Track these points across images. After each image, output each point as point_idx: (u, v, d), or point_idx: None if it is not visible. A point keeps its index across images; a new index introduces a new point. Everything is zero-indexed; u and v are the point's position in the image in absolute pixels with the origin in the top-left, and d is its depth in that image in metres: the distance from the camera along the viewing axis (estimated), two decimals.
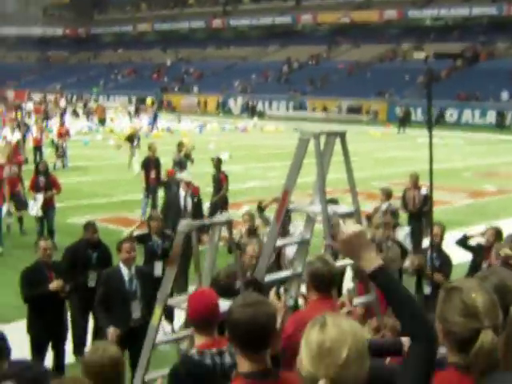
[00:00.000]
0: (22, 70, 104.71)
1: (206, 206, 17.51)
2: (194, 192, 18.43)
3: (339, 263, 6.97)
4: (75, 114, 59.81)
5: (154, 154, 20.79)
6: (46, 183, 17.13)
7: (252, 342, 3.83)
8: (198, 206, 14.52)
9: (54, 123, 43.44)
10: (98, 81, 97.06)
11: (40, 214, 16.91)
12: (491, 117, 64.22)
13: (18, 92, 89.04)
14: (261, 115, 72.34)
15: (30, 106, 60.18)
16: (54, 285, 9.15)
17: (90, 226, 10.69)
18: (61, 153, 30.95)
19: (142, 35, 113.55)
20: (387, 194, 15.45)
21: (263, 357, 3.87)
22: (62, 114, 51.24)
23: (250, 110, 75.30)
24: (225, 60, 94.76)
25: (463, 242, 11.68)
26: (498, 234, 11.01)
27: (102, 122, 55.69)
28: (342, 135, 6.85)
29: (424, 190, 16.48)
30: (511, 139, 51.06)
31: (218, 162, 19.54)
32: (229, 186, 19.34)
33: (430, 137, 6.26)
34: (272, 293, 4.74)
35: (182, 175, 15.58)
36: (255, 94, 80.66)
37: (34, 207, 16.87)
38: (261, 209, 12.15)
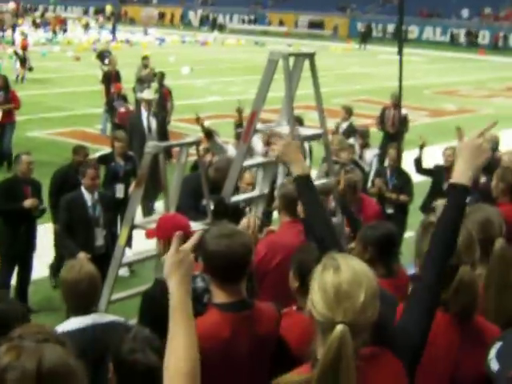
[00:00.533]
0: None
1: None
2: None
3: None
4: (34, 24, 58.43)
5: (114, 67, 20.33)
6: (5, 98, 16.41)
7: (228, 273, 3.82)
8: (162, 124, 13.94)
9: (15, 34, 42.51)
10: None
11: None
12: (452, 35, 64.24)
13: None
14: (221, 28, 71.60)
15: None
16: (29, 202, 9.02)
17: (80, 150, 10.22)
18: (28, 65, 30.42)
19: None
20: (349, 112, 15.33)
21: (239, 287, 3.87)
22: (15, 26, 50.12)
23: (211, 23, 74.39)
24: None
25: (418, 168, 11.69)
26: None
27: (55, 32, 54.16)
28: (311, 56, 6.78)
29: (404, 111, 16.42)
30: (471, 58, 51.21)
31: (161, 77, 18.81)
32: (174, 101, 18.80)
33: (400, 57, 6.23)
34: (245, 219, 4.73)
35: (143, 94, 14.46)
36: (215, 6, 79.63)
37: None
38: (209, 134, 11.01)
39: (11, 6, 66.06)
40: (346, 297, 2.75)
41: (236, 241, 3.85)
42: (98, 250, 8.53)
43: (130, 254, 7.89)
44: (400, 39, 7.18)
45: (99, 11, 76.23)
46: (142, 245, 7.02)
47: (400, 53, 6.23)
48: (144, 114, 13.58)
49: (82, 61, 37.50)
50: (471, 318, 3.49)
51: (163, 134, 13.62)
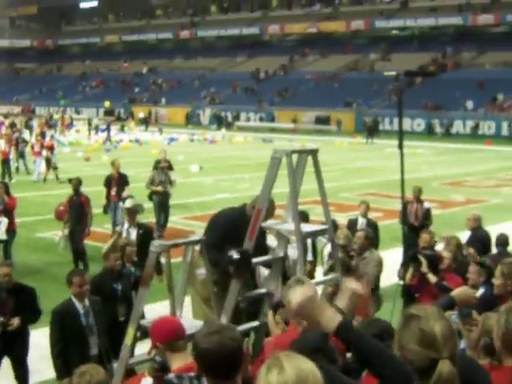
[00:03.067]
0: None
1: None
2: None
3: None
4: (48, 126, 59.13)
5: (118, 170, 19.59)
6: (4, 207, 15.84)
7: (223, 369, 3.83)
8: (144, 237, 12.16)
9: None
10: (65, 92, 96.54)
11: (5, 237, 15.78)
12: (458, 127, 64.78)
13: None
14: (229, 126, 72.39)
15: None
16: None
17: (110, 254, 9.89)
18: (53, 165, 31.27)
19: (109, 46, 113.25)
20: (368, 208, 15.27)
21: (235, 382, 3.86)
22: (30, 127, 50.75)
23: (218, 121, 75.25)
24: (193, 71, 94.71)
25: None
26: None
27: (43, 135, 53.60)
28: (314, 153, 6.84)
29: (427, 204, 16.44)
30: (476, 148, 51.51)
31: (76, 184, 16.86)
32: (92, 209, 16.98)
33: (401, 153, 6.27)
34: (270, 317, 4.74)
35: (125, 203, 13.26)
36: (223, 104, 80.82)
37: None
38: None
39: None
40: None
41: (225, 335, 3.88)
42: (93, 359, 8.20)
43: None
44: (400, 133, 7.25)
45: (109, 113, 77.59)
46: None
47: (400, 147, 6.28)
48: (125, 225, 12.65)
49: (91, 161, 37.89)
50: None
51: (143, 248, 11.22)
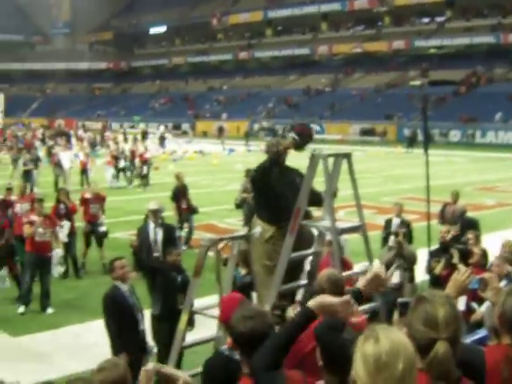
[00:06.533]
0: (71, 101, 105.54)
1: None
2: None
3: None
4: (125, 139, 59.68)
5: (182, 182, 18.75)
6: (66, 211, 15.82)
7: (254, 349, 3.84)
8: (170, 235, 12.36)
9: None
10: (138, 109, 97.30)
11: (66, 240, 15.56)
12: (490, 136, 63.93)
13: (68, 120, 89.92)
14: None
15: (80, 132, 60.68)
16: None
17: (172, 250, 10.01)
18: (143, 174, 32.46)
19: (176, 67, 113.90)
20: (401, 209, 15.10)
21: None
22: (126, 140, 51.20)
23: (273, 133, 75.15)
24: (250, 88, 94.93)
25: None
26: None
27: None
28: (348, 156, 6.83)
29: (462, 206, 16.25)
30: (506, 157, 50.75)
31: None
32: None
33: (427, 158, 6.23)
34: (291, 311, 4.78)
35: (149, 205, 12.49)
36: (278, 119, 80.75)
37: (60, 234, 15.02)
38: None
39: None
40: (385, 368, 2.72)
41: (258, 321, 3.98)
42: (141, 333, 8.53)
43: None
44: (426, 142, 7.21)
45: (177, 126, 78.23)
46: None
47: (426, 153, 6.26)
48: (151, 225, 12.18)
49: (160, 170, 38.15)
50: None
51: (171, 245, 11.46)
